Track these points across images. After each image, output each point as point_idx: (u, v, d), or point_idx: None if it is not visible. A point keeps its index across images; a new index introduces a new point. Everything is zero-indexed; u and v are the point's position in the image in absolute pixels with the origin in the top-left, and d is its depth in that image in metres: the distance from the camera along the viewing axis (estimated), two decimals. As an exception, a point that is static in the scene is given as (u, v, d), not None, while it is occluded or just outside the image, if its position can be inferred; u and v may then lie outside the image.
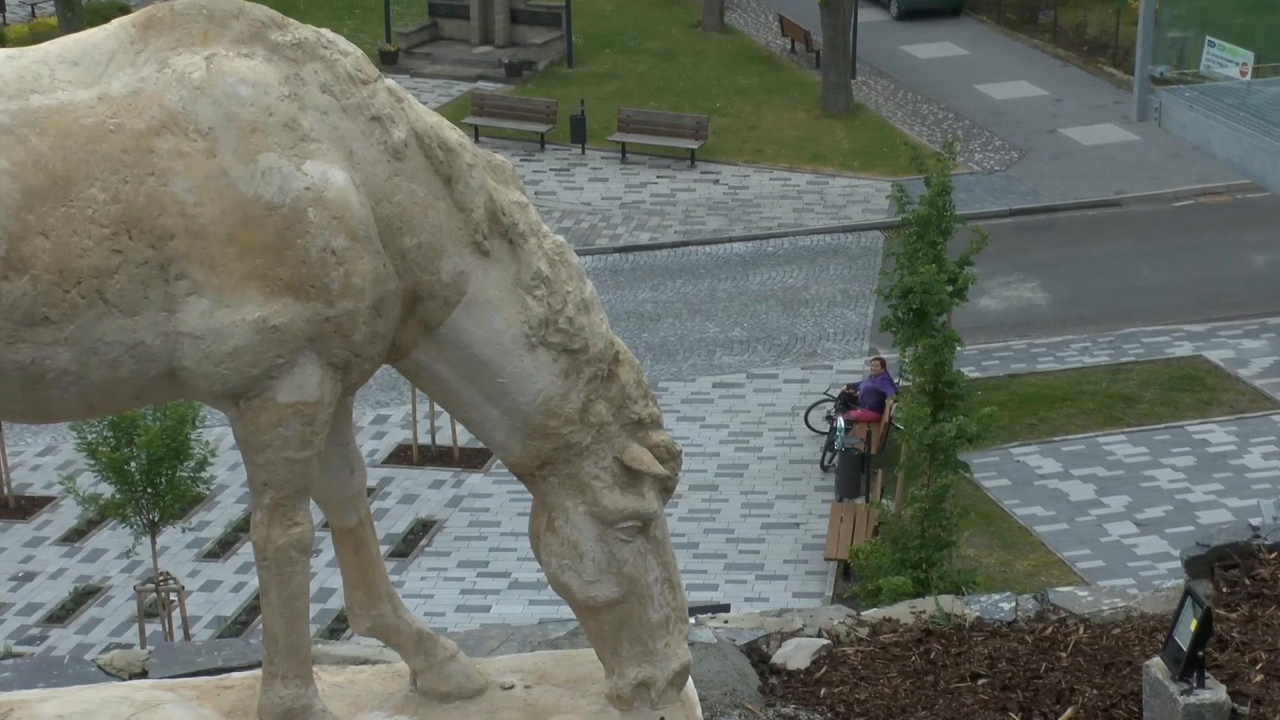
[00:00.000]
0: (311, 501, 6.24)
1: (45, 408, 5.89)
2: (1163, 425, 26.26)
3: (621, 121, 38.52)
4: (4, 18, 46.36)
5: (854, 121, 40.00)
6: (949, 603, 8.37)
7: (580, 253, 31.13)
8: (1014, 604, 8.40)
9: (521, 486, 6.48)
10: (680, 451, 6.53)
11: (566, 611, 6.83)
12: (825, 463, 25.52)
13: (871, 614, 8.39)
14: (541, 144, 38.99)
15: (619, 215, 35.45)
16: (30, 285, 5.59)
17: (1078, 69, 43.43)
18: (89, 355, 5.73)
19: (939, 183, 22.71)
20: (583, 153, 38.65)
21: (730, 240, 34.14)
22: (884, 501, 21.58)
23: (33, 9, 46.90)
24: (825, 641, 8.01)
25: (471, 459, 25.92)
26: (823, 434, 26.02)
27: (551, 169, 38.00)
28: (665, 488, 6.47)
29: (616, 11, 47.90)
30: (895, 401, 24.53)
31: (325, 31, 6.04)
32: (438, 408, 23.61)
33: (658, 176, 37.53)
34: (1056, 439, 26.01)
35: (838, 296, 31.49)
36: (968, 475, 21.41)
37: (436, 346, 6.17)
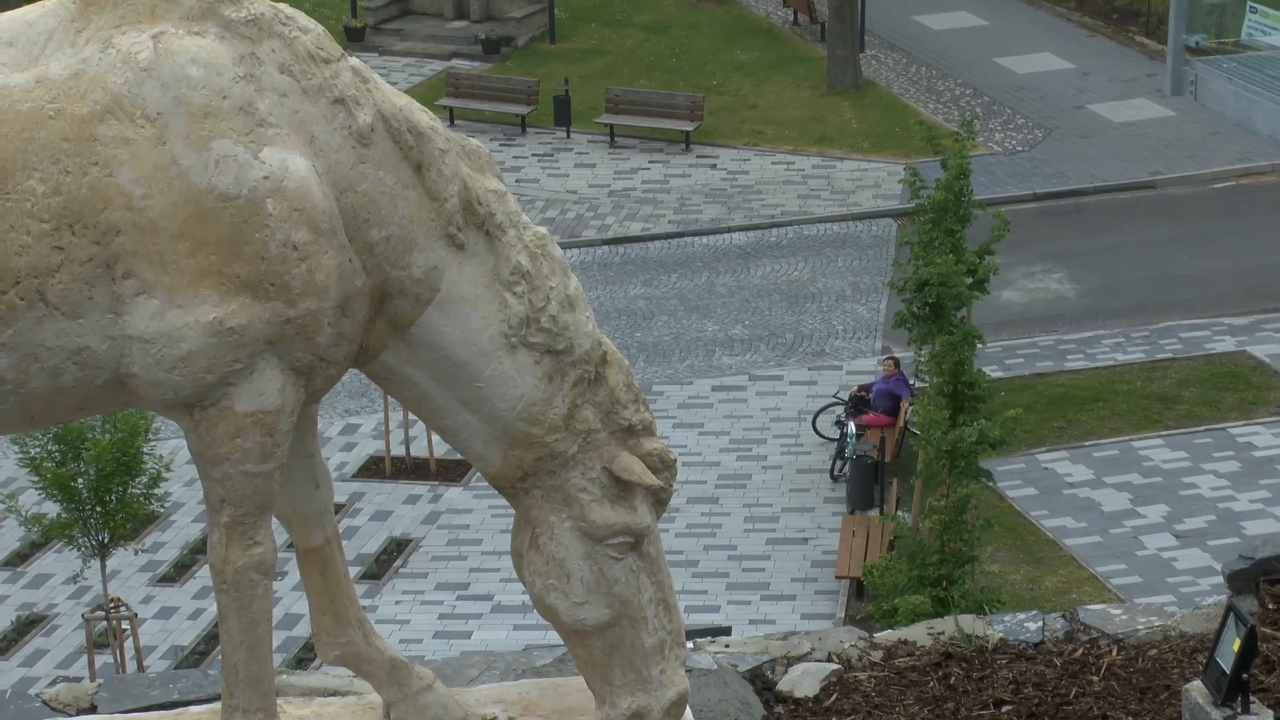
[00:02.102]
0: (274, 519, 6.24)
1: (-19, 419, 5.88)
2: (1204, 427, 26.28)
3: (609, 102, 38.54)
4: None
5: (863, 99, 40.03)
6: (970, 623, 8.39)
7: (566, 245, 31.21)
8: (1041, 624, 8.42)
9: (504, 501, 6.49)
10: (675, 460, 6.54)
11: (553, 636, 6.85)
12: (835, 472, 25.54)
13: (886, 636, 8.41)
14: (522, 127, 39.00)
15: (608, 204, 35.47)
16: (-37, 286, 5.59)
17: (1107, 39, 43.48)
18: (28, 362, 5.73)
19: (956, 165, 22.71)
20: (567, 136, 38.67)
21: (729, 230, 34.16)
22: (900, 514, 21.59)
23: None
24: (836, 666, 8.03)
25: (449, 471, 25.93)
26: (832, 440, 26.03)
27: (534, 154, 38.01)
28: (659, 500, 6.48)
29: (603, -19, 47.95)
30: (911, 404, 24.56)
31: (283, 6, 6.05)
32: (412, 416, 23.58)
33: (650, 161, 37.55)
34: (1087, 444, 26.02)
35: (847, 290, 31.51)
36: (991, 484, 21.42)
37: (408, 348, 6.18)
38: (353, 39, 42.76)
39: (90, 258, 5.70)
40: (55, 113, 5.69)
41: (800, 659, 8.12)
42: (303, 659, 20.77)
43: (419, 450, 26.21)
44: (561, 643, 6.79)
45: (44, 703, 7.83)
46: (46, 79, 5.73)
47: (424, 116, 6.18)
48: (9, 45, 5.80)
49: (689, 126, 37.95)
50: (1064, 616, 8.50)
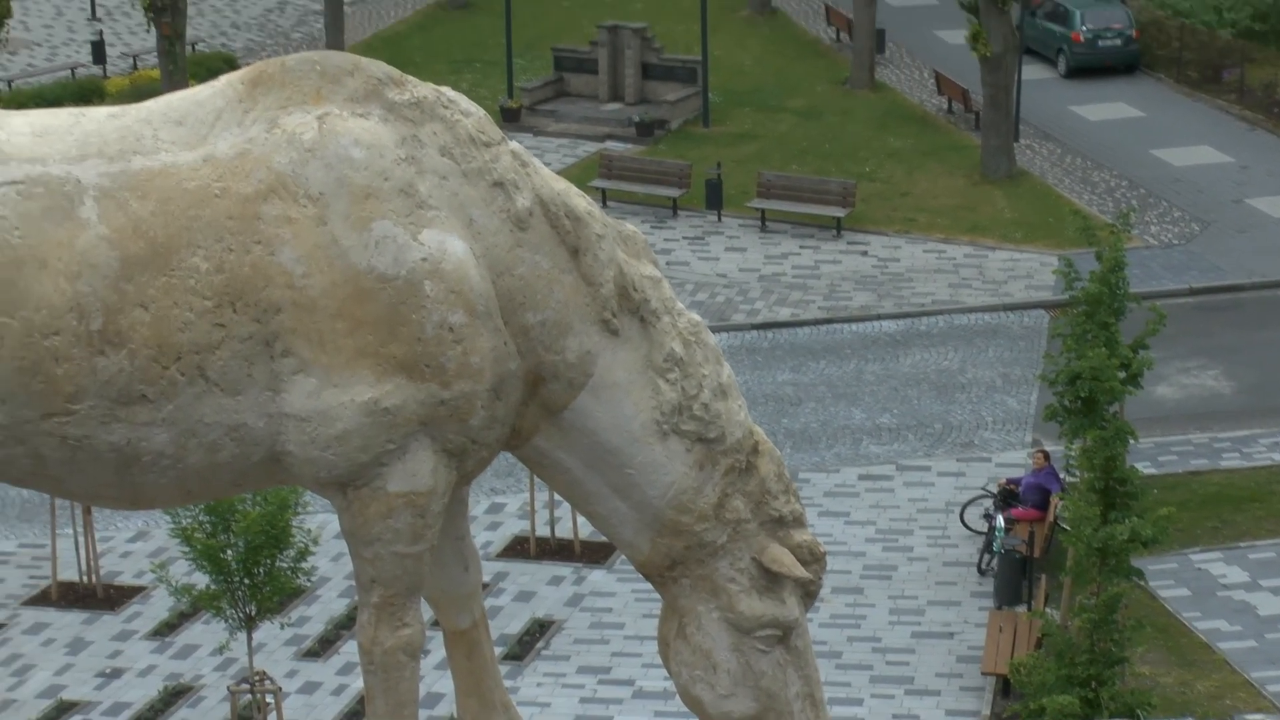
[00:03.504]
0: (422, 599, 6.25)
1: (140, 493, 5.95)
2: (1364, 531, 25.68)
3: (761, 186, 38.59)
4: (104, 70, 47.54)
5: (1017, 189, 39.74)
6: (1123, 727, 8.21)
7: (715, 329, 31.07)
8: (1197, 730, 8.21)
9: (648, 584, 6.45)
10: (825, 553, 6.48)
11: (697, 727, 6.76)
12: (983, 565, 25.20)
13: (1036, 737, 8.24)
14: (674, 210, 39.15)
15: (757, 289, 35.45)
16: (127, 361, 5.66)
17: (1267, 132, 42.86)
18: (187, 437, 5.78)
19: (1112, 257, 22.47)
20: (719, 220, 38.74)
21: (879, 318, 33.99)
22: (1048, 611, 21.25)
23: (134, 61, 48.07)
24: (984, 767, 7.88)
25: (594, 553, 25.90)
26: (980, 534, 25.71)
27: (684, 237, 38.12)
28: (808, 593, 6.42)
29: (757, 66, 48.09)
30: (1061, 499, 24.20)
31: (446, 90, 6.11)
32: (557, 496, 23.60)
33: (800, 247, 37.51)
34: (1243, 545, 25.51)
35: (997, 381, 31.19)
36: (1142, 583, 21.03)
37: (560, 433, 6.17)
38: (508, 119, 43.24)
39: (250, 335, 5.76)
40: (221, 191, 5.77)
41: (947, 758, 7.97)
42: (443, 738, 20.79)
43: (564, 531, 26.23)
44: (705, 734, 6.72)
45: (189, 775, 7.88)
46: (213, 158, 5.82)
47: (581, 201, 6.20)
48: (178, 124, 5.90)
49: (840, 212, 37.89)
50: (1221, 724, 8.29)
